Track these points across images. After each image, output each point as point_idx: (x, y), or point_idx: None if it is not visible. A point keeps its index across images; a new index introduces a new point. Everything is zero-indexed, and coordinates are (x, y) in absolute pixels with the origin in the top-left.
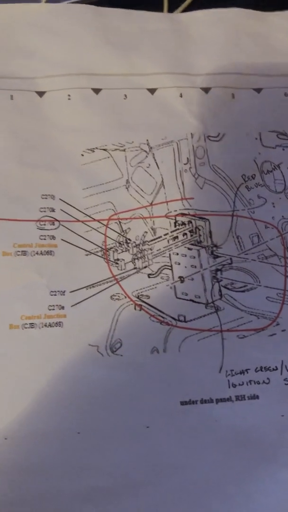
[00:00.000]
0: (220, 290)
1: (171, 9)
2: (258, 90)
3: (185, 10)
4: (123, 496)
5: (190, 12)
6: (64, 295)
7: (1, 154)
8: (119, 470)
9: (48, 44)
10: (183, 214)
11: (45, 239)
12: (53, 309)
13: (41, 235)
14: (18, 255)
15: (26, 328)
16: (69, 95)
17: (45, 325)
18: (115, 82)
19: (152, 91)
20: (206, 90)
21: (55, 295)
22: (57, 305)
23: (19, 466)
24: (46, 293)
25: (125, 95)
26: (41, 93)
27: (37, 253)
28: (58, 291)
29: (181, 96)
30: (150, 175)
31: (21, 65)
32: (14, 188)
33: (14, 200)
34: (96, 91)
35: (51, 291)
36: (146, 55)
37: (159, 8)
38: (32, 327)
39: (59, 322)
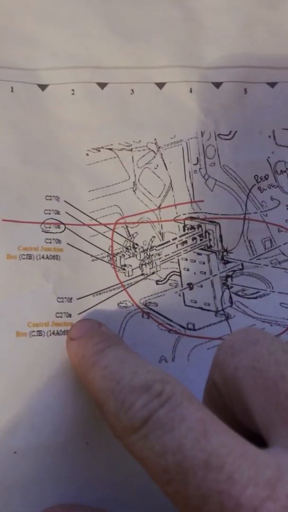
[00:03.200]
0: (230, 297)
1: None
2: (272, 85)
3: None
4: (135, 508)
5: None
6: (71, 302)
7: (4, 151)
8: (128, 479)
9: (50, 33)
10: (192, 218)
11: (50, 242)
12: (61, 317)
13: (47, 238)
14: (23, 258)
15: (33, 336)
16: (73, 90)
17: (53, 333)
18: (121, 75)
19: (160, 85)
20: (217, 84)
21: (62, 302)
22: (64, 313)
23: (30, 480)
24: (54, 299)
25: (132, 90)
26: (43, 86)
27: (42, 257)
28: (65, 297)
29: (191, 91)
30: (158, 176)
31: (22, 55)
32: (17, 188)
33: (17, 200)
34: (102, 85)
35: (58, 298)
36: (155, 46)
37: None
38: (40, 335)
39: (67, 330)
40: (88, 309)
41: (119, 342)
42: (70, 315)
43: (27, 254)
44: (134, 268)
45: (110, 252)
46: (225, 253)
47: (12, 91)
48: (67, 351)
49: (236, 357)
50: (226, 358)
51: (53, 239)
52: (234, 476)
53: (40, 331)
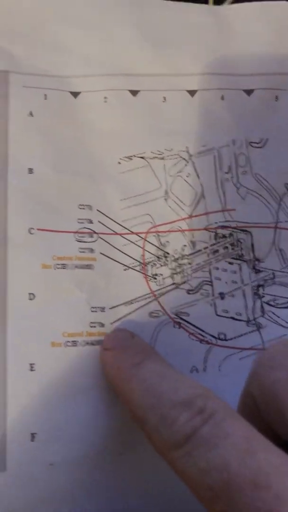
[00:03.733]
0: (262, 307)
1: (217, 3)
2: None
3: (235, 2)
4: None
5: (235, 5)
6: (104, 311)
7: (36, 159)
8: (162, 491)
9: (82, 41)
10: (224, 227)
11: (84, 252)
12: (94, 327)
13: (80, 248)
14: (58, 268)
15: (68, 346)
16: (105, 97)
17: (87, 343)
18: (153, 83)
19: (192, 93)
20: (248, 92)
21: (95, 311)
22: (97, 322)
23: (65, 491)
24: (87, 309)
25: (164, 98)
26: (75, 94)
27: (76, 267)
28: (98, 307)
29: (222, 98)
30: (190, 185)
31: (54, 62)
32: (51, 197)
33: (51, 209)
34: (134, 93)
35: (92, 307)
36: (187, 53)
37: (204, 1)
38: (74, 345)
39: (101, 340)
40: (120, 318)
41: (154, 354)
42: (103, 325)
43: (61, 264)
44: (166, 277)
45: (141, 261)
46: (256, 262)
47: (45, 98)
48: (101, 361)
49: (276, 370)
50: (265, 371)
51: (87, 248)
52: (281, 495)
53: (75, 341)
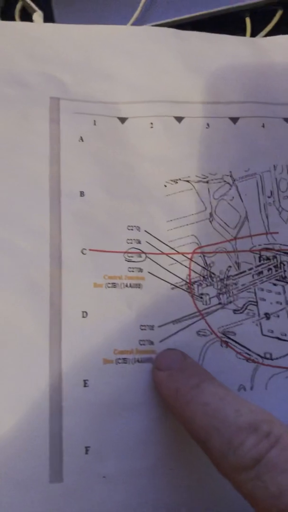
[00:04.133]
0: None
1: (253, 33)
2: None
3: (267, 35)
4: None
5: (273, 37)
6: (153, 329)
7: (87, 182)
8: (210, 507)
9: (129, 69)
10: (267, 249)
11: (133, 271)
12: (144, 344)
13: (130, 267)
14: (109, 287)
15: (119, 363)
16: (151, 123)
17: (138, 361)
18: (197, 110)
19: (234, 120)
20: (287, 120)
21: (144, 329)
22: (147, 340)
23: (117, 504)
24: (137, 327)
25: (208, 124)
26: (123, 119)
27: (126, 286)
28: (147, 325)
29: (263, 126)
30: (234, 208)
31: (102, 90)
32: (102, 218)
33: (102, 231)
34: (179, 119)
35: (141, 325)
36: (229, 82)
37: (242, 32)
38: (125, 362)
39: (150, 358)
40: (169, 336)
41: (211, 376)
42: (152, 343)
43: (112, 283)
44: (212, 297)
45: (188, 280)
46: None
47: (94, 124)
48: (155, 381)
49: None
50: None
51: (135, 268)
52: None
53: (125, 358)
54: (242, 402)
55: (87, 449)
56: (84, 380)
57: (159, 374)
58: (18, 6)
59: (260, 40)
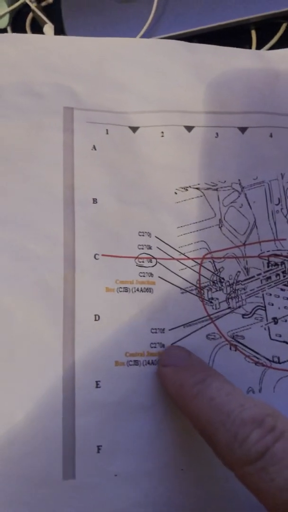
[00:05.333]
0: None
1: (259, 46)
2: None
3: (272, 47)
4: None
5: (280, 50)
6: (163, 332)
7: (100, 189)
8: (222, 507)
9: (140, 79)
10: (276, 255)
11: (144, 276)
12: (155, 347)
13: (141, 272)
14: (120, 291)
15: (131, 365)
16: (162, 132)
17: (148, 363)
18: (206, 120)
19: (242, 130)
20: None
21: (155, 332)
22: (158, 343)
23: (129, 502)
24: (147, 330)
25: (217, 133)
26: (134, 129)
27: (137, 290)
28: (158, 328)
29: (271, 136)
30: (243, 215)
31: (114, 99)
32: (114, 225)
33: (114, 236)
34: (189, 128)
35: (152, 329)
36: (237, 93)
37: (248, 44)
38: (136, 364)
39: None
40: (180, 339)
41: (215, 372)
42: (163, 345)
43: (123, 287)
44: (221, 302)
45: (198, 285)
46: None
47: (107, 133)
48: (160, 378)
49: None
50: None
51: (146, 272)
52: None
53: (137, 360)
54: (247, 397)
55: (99, 448)
56: (96, 381)
57: (164, 370)
58: (29, 18)
59: (266, 53)
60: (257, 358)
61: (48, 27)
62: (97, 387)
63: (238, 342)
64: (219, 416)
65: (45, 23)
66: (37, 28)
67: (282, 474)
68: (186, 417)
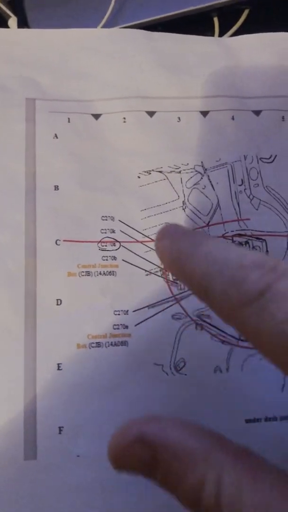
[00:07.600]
0: None
1: (221, 32)
2: None
3: (234, 34)
4: None
5: (239, 37)
6: (127, 314)
7: (62, 177)
8: None
9: (102, 68)
10: (240, 235)
11: (107, 259)
12: (118, 328)
13: (103, 256)
14: (83, 275)
15: (93, 347)
16: (124, 118)
17: (111, 344)
18: (168, 105)
19: (204, 113)
20: (257, 112)
21: (118, 314)
22: (121, 324)
23: (93, 482)
24: (110, 312)
25: (179, 118)
26: (97, 116)
27: (100, 274)
28: (122, 310)
29: (233, 118)
30: (206, 196)
31: (76, 88)
32: (76, 210)
33: (76, 222)
34: (151, 114)
35: (115, 311)
36: (198, 78)
37: (210, 31)
38: (98, 346)
39: (124, 341)
40: (144, 320)
41: (215, 237)
42: (127, 327)
43: (86, 271)
44: None
45: (162, 266)
46: None
47: (69, 121)
48: (159, 251)
49: None
50: None
51: (109, 256)
52: None
53: (99, 342)
54: (247, 250)
55: (60, 429)
56: (58, 364)
57: (162, 243)
58: None
59: (227, 39)
60: (224, 336)
61: (13, 21)
62: (58, 369)
63: (204, 321)
64: (216, 266)
65: (10, 16)
66: (1, 22)
67: (284, 308)
68: (182, 281)
